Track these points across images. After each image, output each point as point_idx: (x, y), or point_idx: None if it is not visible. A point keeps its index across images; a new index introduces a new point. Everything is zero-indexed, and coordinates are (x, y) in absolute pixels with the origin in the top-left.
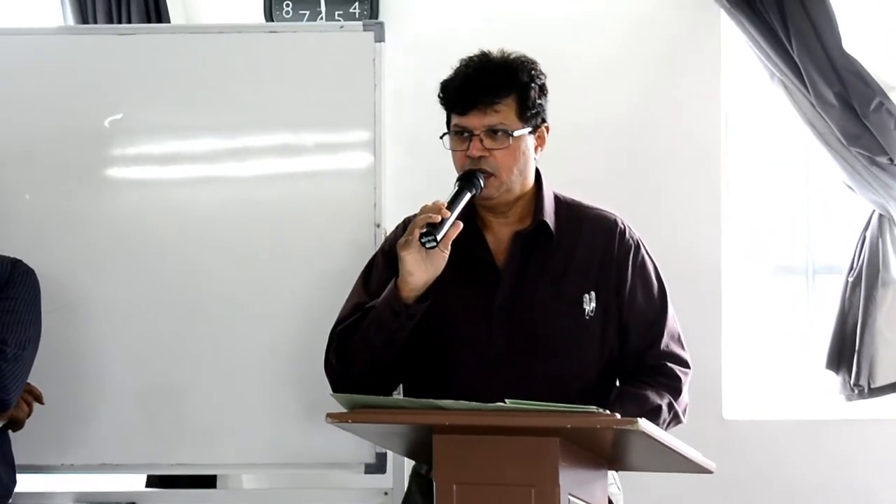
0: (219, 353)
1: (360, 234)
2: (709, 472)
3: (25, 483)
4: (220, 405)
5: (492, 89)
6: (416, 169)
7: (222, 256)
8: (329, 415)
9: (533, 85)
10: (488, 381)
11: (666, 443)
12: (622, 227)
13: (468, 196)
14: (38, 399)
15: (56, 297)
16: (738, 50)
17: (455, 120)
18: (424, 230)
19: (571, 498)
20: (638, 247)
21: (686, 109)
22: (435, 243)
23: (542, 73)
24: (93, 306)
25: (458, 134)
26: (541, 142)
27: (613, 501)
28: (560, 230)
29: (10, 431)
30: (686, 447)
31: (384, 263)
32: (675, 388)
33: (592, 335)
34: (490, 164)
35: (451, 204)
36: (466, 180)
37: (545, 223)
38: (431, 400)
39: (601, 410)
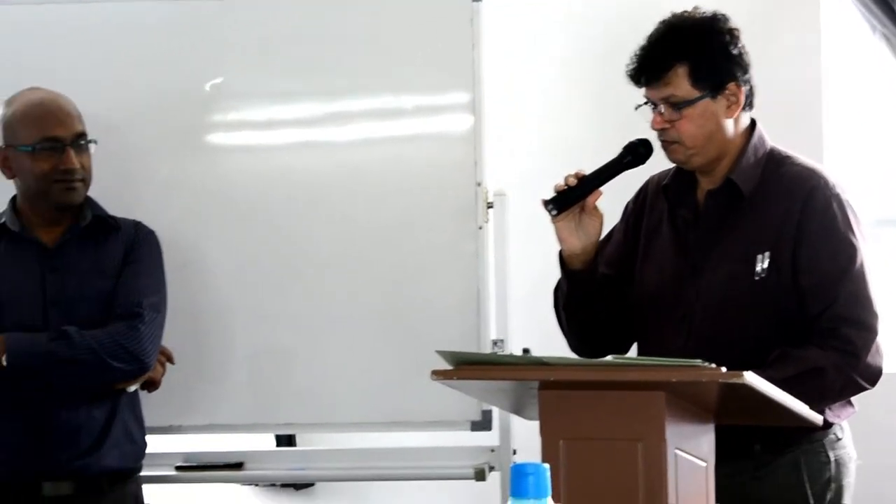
0: (325, 315)
1: (462, 194)
2: (817, 425)
3: None
4: (326, 365)
5: (658, 61)
6: (516, 129)
7: (326, 219)
8: (434, 372)
9: (707, 51)
10: (673, 340)
11: (772, 396)
12: (819, 183)
13: (623, 164)
14: (170, 359)
15: (171, 258)
16: (839, 3)
17: (646, 92)
18: (550, 198)
19: (678, 452)
20: (829, 205)
21: (786, 65)
22: (556, 212)
23: (724, 32)
24: (203, 267)
25: (648, 105)
26: (733, 100)
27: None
28: (756, 188)
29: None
30: (793, 401)
31: (620, 226)
32: (847, 352)
33: (761, 296)
34: (672, 134)
35: (597, 172)
36: (627, 149)
37: (732, 181)
38: (536, 356)
39: (706, 364)
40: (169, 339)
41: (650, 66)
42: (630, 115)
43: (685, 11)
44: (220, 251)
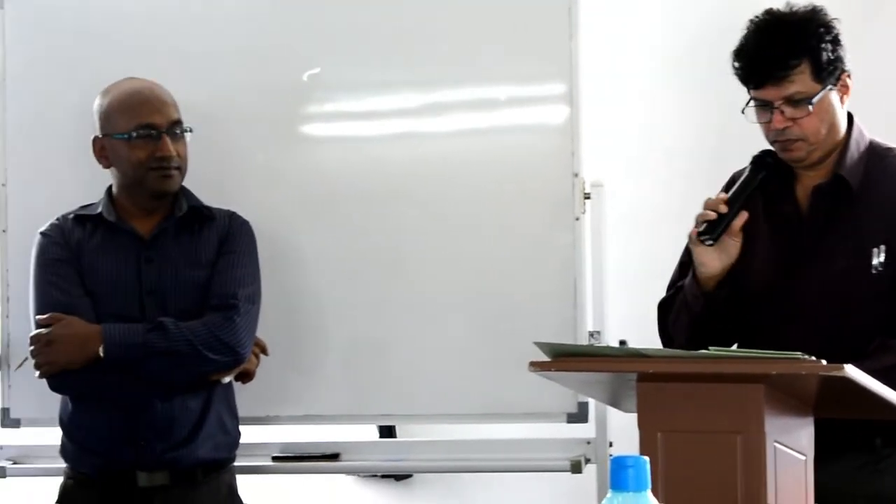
0: (420, 305)
1: (559, 185)
2: None
3: None
4: (422, 356)
5: (783, 61)
6: (613, 119)
7: (421, 210)
8: (532, 363)
9: (824, 44)
10: (778, 336)
11: (873, 389)
12: None
13: (758, 179)
14: (264, 350)
15: (265, 249)
16: None
17: (753, 93)
18: (702, 228)
19: (777, 445)
20: None
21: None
22: (712, 242)
23: (832, 24)
24: (298, 258)
25: (759, 106)
26: (844, 90)
27: None
28: (864, 181)
29: (234, 383)
30: (894, 394)
31: None
32: None
33: (878, 290)
34: (794, 132)
35: (737, 193)
36: (757, 164)
37: (841, 177)
38: (635, 347)
39: (806, 356)
40: (265, 331)
41: (772, 67)
42: (728, 104)
43: (787, 7)
44: (316, 242)
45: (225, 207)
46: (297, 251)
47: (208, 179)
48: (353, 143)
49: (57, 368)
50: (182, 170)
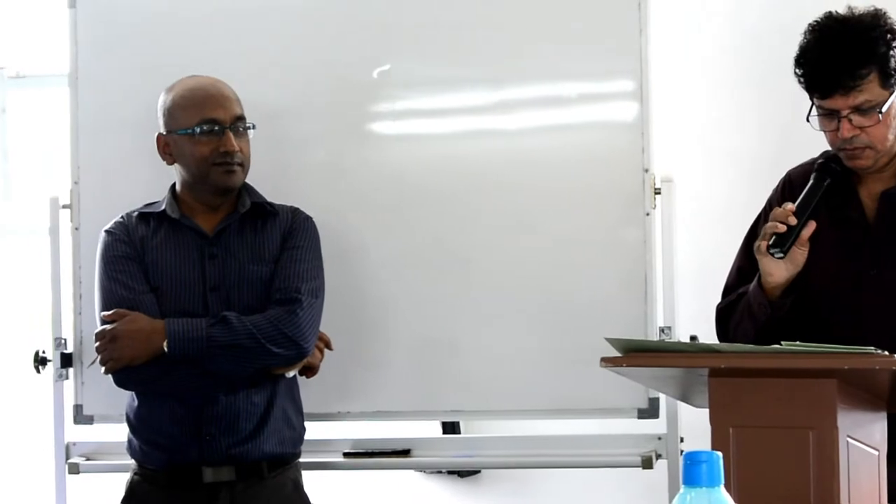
0: (490, 301)
1: (629, 181)
2: None
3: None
4: (492, 352)
5: (851, 70)
6: (683, 115)
7: (490, 207)
8: (604, 359)
9: (892, 50)
10: (850, 341)
11: None
12: None
13: (824, 186)
14: (328, 345)
15: (331, 246)
16: None
17: (818, 101)
18: (771, 241)
19: (850, 440)
20: None
21: None
22: (782, 255)
23: (892, 27)
24: (365, 255)
25: (825, 115)
26: None
27: None
28: None
29: (299, 378)
30: None
31: (765, 222)
32: None
33: None
34: (862, 140)
35: (804, 203)
36: (822, 171)
37: None
38: (707, 343)
39: (879, 351)
40: (331, 327)
41: (840, 77)
42: (796, 103)
43: (849, 11)
44: (382, 239)
45: (290, 204)
46: (363, 248)
47: (274, 176)
48: (421, 141)
49: (122, 364)
50: (245, 166)
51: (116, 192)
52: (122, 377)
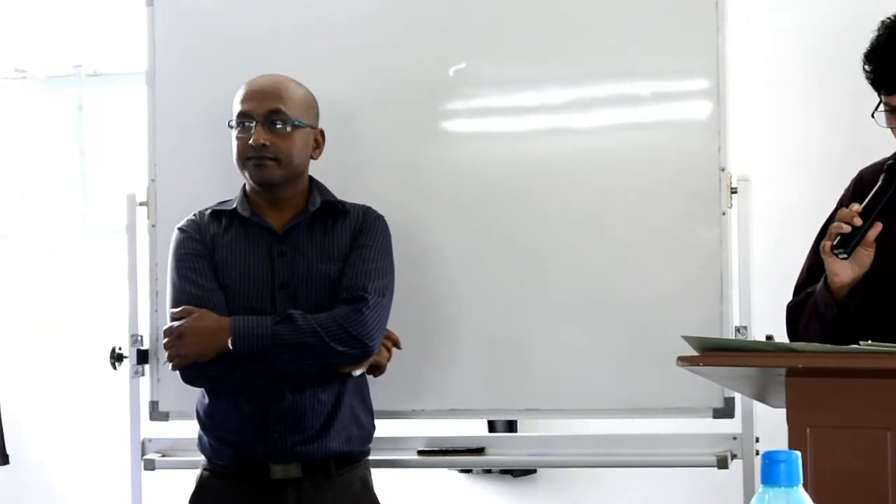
0: (563, 301)
1: (705, 180)
2: None
3: (379, 428)
4: (566, 350)
5: None
6: (759, 114)
7: (565, 206)
8: (680, 358)
9: None
10: None
11: None
12: None
13: (893, 188)
14: (396, 344)
15: (404, 246)
16: None
17: (885, 97)
18: (836, 242)
19: None
20: None
21: None
22: (846, 256)
23: None
24: (439, 254)
25: (891, 111)
26: None
27: None
28: None
29: (367, 377)
30: None
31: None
32: None
33: None
34: None
35: (871, 204)
36: (892, 172)
37: None
38: (784, 342)
39: None
40: (406, 325)
41: None
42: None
43: None
44: (456, 237)
45: (364, 203)
46: (436, 246)
47: (347, 175)
48: (495, 139)
49: (188, 361)
50: (281, 161)
51: (193, 189)
52: (189, 374)
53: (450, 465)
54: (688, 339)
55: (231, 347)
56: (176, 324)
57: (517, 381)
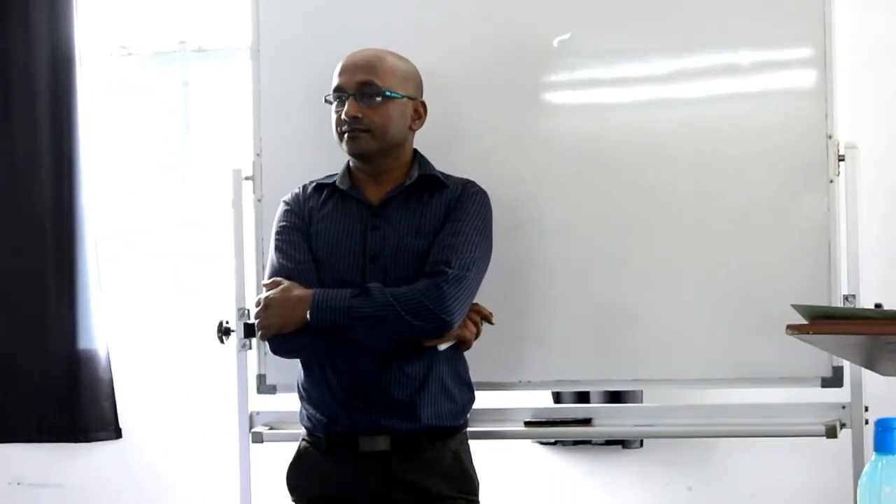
0: (667, 269)
1: (812, 148)
2: None
3: (484, 400)
4: (672, 320)
5: None
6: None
7: (668, 176)
8: (790, 326)
9: None
10: None
11: None
12: None
13: None
14: (488, 319)
15: (507, 218)
16: None
17: None
18: None
19: None
20: None
21: None
22: None
23: None
24: (543, 226)
25: None
26: None
27: None
28: None
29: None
30: None
31: None
32: None
33: None
34: None
35: None
36: None
37: None
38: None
39: None
40: (511, 297)
41: None
42: None
43: None
44: (561, 208)
45: (466, 175)
46: (541, 218)
47: (449, 147)
48: (598, 110)
49: (272, 332)
50: (375, 132)
51: (298, 163)
52: (275, 345)
53: (557, 437)
54: (797, 307)
55: (309, 319)
56: (264, 295)
57: (623, 352)
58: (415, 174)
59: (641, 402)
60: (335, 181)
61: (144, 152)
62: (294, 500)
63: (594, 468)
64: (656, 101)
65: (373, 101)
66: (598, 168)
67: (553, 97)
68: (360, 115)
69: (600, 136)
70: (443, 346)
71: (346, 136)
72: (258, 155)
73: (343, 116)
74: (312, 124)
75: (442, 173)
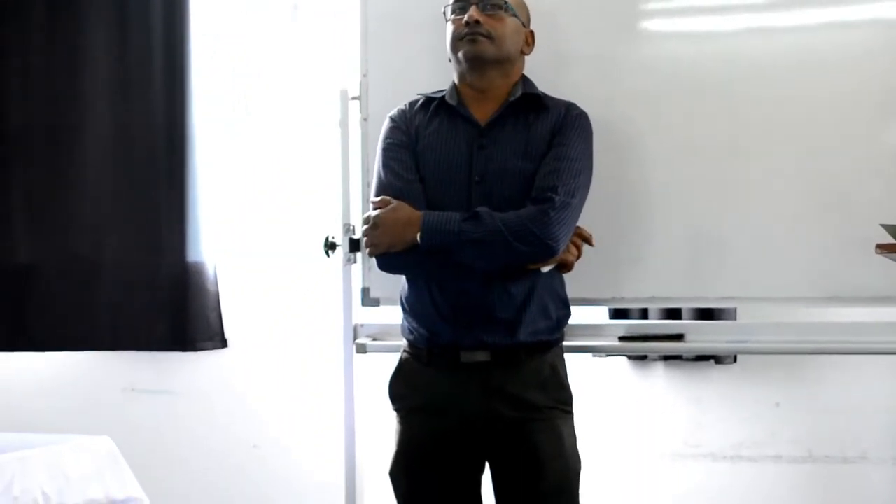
0: (762, 191)
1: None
2: None
3: (580, 315)
4: (764, 241)
5: None
6: None
7: (765, 102)
8: (879, 245)
9: None
10: None
11: None
12: None
13: None
14: (588, 241)
15: (604, 141)
16: None
17: None
18: None
19: None
20: None
21: None
22: None
23: None
24: (639, 149)
25: None
26: None
27: None
28: None
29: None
30: None
31: None
32: None
33: None
34: None
35: None
36: None
37: None
38: None
39: None
40: (607, 217)
41: None
42: None
43: None
44: (658, 131)
45: (567, 98)
46: (639, 140)
47: (549, 70)
48: (698, 38)
49: (380, 250)
50: (495, 39)
51: (404, 83)
52: (383, 262)
53: (650, 352)
54: (886, 227)
55: (419, 241)
56: (373, 213)
57: (717, 271)
58: (518, 92)
59: (735, 319)
60: (443, 96)
61: (254, 72)
62: (395, 409)
63: (683, 383)
64: (756, 30)
65: (495, 11)
66: (695, 94)
67: (650, 24)
68: (481, 21)
69: (697, 63)
70: (545, 269)
71: (465, 39)
72: (364, 75)
73: (465, 19)
74: (419, 44)
75: (544, 94)
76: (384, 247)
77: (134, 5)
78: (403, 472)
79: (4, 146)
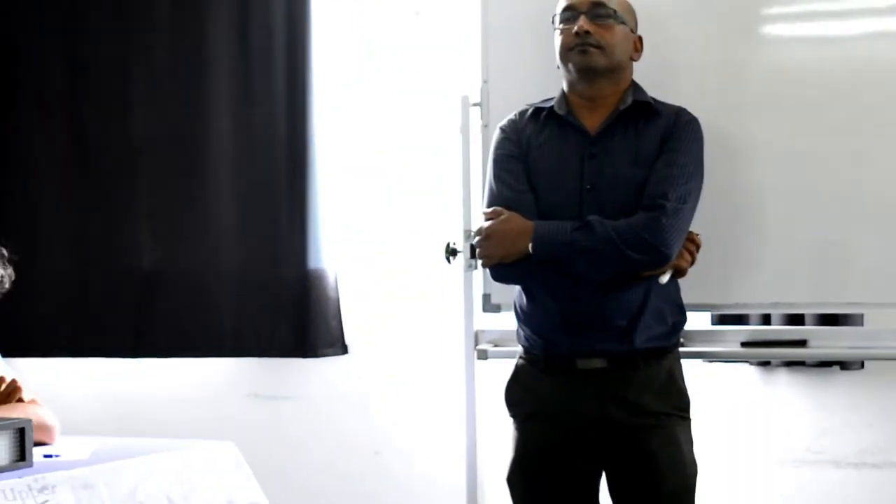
0: (884, 197)
1: None
2: None
3: (698, 321)
4: (887, 247)
5: None
6: None
7: (891, 109)
8: None
9: None
10: None
11: None
12: None
13: None
14: (700, 247)
15: (723, 147)
16: None
17: None
18: None
19: None
20: None
21: None
22: None
23: None
24: (760, 155)
25: None
26: None
27: None
28: None
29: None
30: None
31: None
32: None
33: None
34: None
35: None
36: None
37: None
38: None
39: None
40: (727, 224)
41: None
42: None
43: None
44: (773, 139)
45: (685, 104)
46: (753, 147)
47: (664, 78)
48: (818, 43)
49: (493, 261)
50: (605, 49)
51: (524, 90)
52: (496, 273)
53: (772, 358)
54: None
55: (531, 252)
56: (485, 224)
57: (841, 276)
58: (629, 99)
59: (861, 325)
60: (552, 105)
61: (375, 79)
62: (512, 416)
63: (807, 389)
64: (879, 34)
65: (604, 20)
66: (817, 101)
67: (772, 29)
68: (591, 31)
69: (820, 69)
70: (664, 279)
71: (575, 49)
72: (485, 82)
73: (575, 30)
74: (539, 51)
75: (655, 100)
76: (497, 258)
77: (256, 11)
78: (520, 479)
79: (130, 154)
